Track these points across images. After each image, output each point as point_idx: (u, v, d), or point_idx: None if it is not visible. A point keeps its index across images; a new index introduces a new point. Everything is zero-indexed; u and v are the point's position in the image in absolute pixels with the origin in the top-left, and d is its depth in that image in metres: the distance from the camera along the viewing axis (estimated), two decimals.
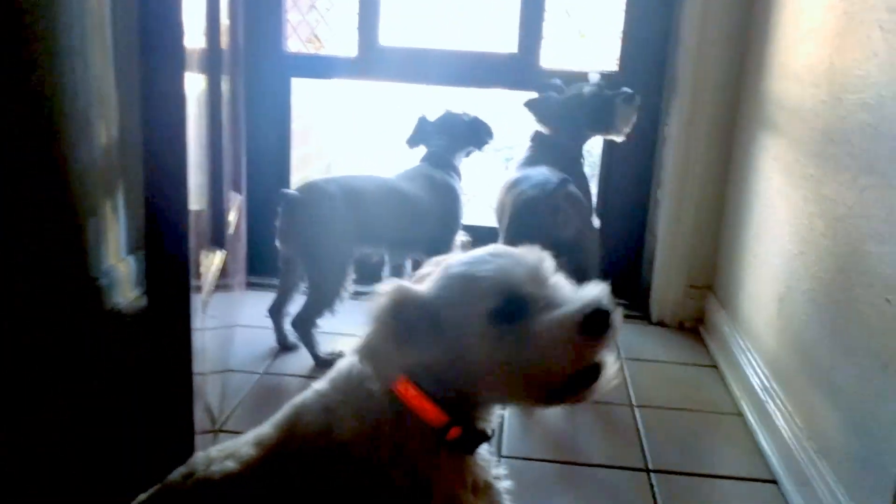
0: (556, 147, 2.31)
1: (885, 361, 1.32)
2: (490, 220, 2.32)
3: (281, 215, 2.14)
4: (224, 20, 1.98)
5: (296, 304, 2.23)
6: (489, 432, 1.07)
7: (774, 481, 1.72)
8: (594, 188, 2.50)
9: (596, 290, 0.96)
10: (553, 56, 2.71)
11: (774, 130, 2.02)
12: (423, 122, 2.44)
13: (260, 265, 2.67)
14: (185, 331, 1.36)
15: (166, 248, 1.32)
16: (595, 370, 0.96)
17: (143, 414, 1.41)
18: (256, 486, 1.01)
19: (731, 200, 2.39)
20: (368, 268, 2.42)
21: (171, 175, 1.30)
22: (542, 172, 2.18)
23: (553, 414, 1.96)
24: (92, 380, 2.01)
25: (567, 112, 2.31)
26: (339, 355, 2.07)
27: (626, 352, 2.37)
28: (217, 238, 1.90)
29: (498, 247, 1.03)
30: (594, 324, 0.92)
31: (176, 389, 1.38)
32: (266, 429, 1.07)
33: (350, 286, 2.18)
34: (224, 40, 1.99)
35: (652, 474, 1.73)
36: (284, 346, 2.27)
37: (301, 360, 2.20)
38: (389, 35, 2.66)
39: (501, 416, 1.55)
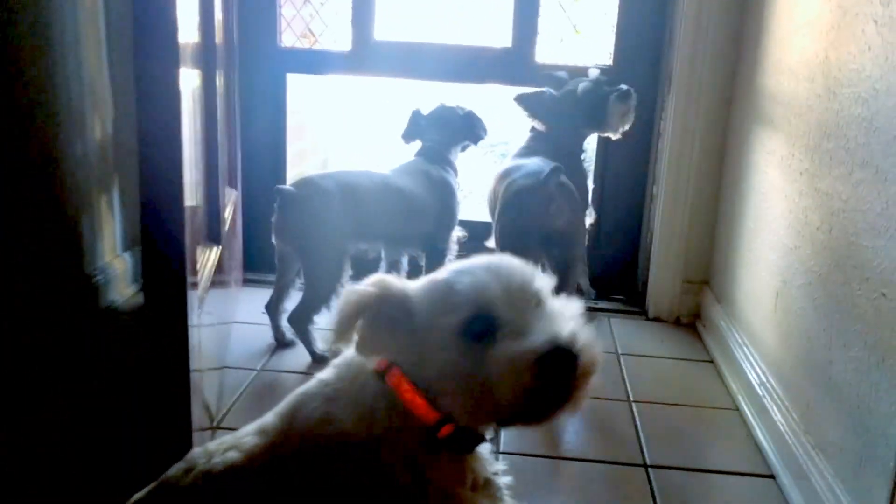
0: (553, 140, 2.31)
1: (881, 355, 1.32)
2: (486, 215, 2.32)
3: (277, 211, 2.14)
4: (218, 15, 1.97)
5: (292, 301, 2.22)
6: (485, 434, 1.07)
7: (772, 476, 1.72)
8: (589, 184, 2.50)
9: (566, 330, 0.92)
10: (548, 51, 2.71)
11: (769, 125, 2.02)
12: (416, 115, 2.43)
13: (256, 261, 2.67)
14: (182, 327, 1.35)
15: (162, 245, 1.32)
16: (554, 401, 0.92)
17: (140, 411, 1.40)
18: (260, 477, 1.01)
19: (726, 195, 2.39)
20: (365, 264, 2.42)
21: (167, 171, 1.30)
22: (535, 162, 2.18)
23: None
24: (88, 378, 2.01)
25: (561, 108, 2.31)
26: (336, 351, 2.07)
27: (622, 347, 2.38)
28: (213, 234, 1.89)
29: (493, 260, 1.00)
30: (552, 363, 0.89)
31: (173, 386, 1.38)
32: (270, 417, 1.08)
33: (346, 282, 2.18)
34: (218, 35, 1.98)
35: (649, 470, 1.73)
36: (281, 343, 2.26)
37: (298, 357, 2.19)
38: (384, 30, 2.65)
39: None
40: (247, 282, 2.65)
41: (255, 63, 2.65)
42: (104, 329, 2.30)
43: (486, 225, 2.27)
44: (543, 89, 2.34)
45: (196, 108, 1.62)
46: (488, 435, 1.07)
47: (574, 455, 1.77)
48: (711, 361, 2.30)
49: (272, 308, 2.26)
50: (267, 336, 2.28)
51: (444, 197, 2.34)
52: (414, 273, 2.47)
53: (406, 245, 2.38)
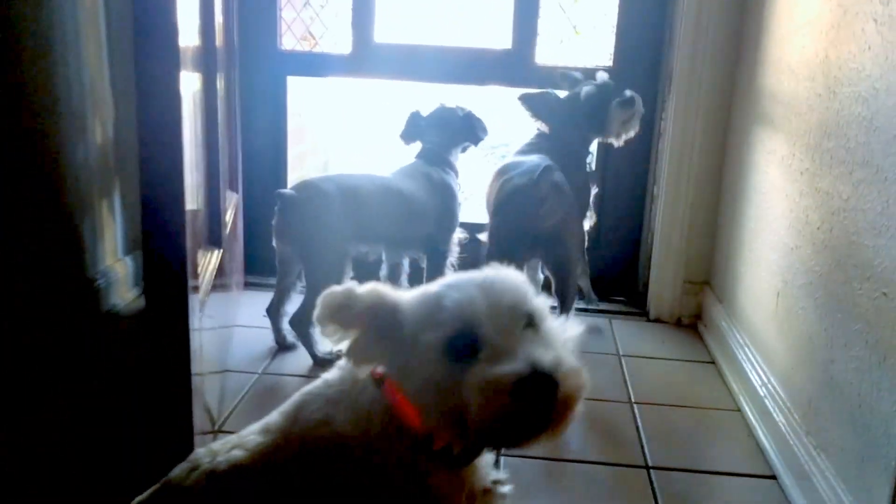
0: (557, 141, 2.31)
1: (882, 354, 1.32)
2: (487, 217, 2.32)
3: (277, 214, 2.14)
4: (218, 18, 1.97)
5: (294, 304, 2.22)
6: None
7: (774, 477, 1.72)
8: (594, 187, 2.48)
9: (549, 356, 0.89)
10: (548, 52, 2.71)
11: (770, 124, 2.02)
12: (416, 117, 2.43)
13: (257, 264, 2.67)
14: (183, 331, 1.35)
15: (163, 248, 1.32)
16: (530, 428, 0.89)
17: (141, 415, 1.40)
18: (263, 476, 1.01)
19: (727, 195, 2.39)
20: (366, 266, 2.42)
21: (167, 174, 1.30)
22: (533, 161, 2.18)
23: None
24: (90, 381, 2.01)
25: (564, 111, 2.30)
26: (338, 355, 2.07)
27: (624, 349, 2.37)
28: (214, 237, 1.89)
29: (489, 276, 0.98)
30: (528, 390, 0.86)
31: (174, 390, 1.38)
32: (274, 416, 1.09)
33: (348, 284, 2.17)
34: (219, 38, 1.99)
35: (651, 471, 1.73)
36: (283, 346, 2.26)
37: (299, 360, 2.19)
38: (384, 32, 2.66)
39: None
40: (248, 285, 2.65)
41: (255, 66, 2.65)
42: (105, 332, 2.31)
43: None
44: (547, 90, 2.33)
45: (197, 111, 1.62)
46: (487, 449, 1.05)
47: (575, 457, 1.76)
48: (713, 362, 2.30)
49: (273, 311, 2.26)
50: (268, 339, 2.28)
51: (445, 199, 2.34)
52: (415, 275, 2.47)
53: (407, 247, 2.38)
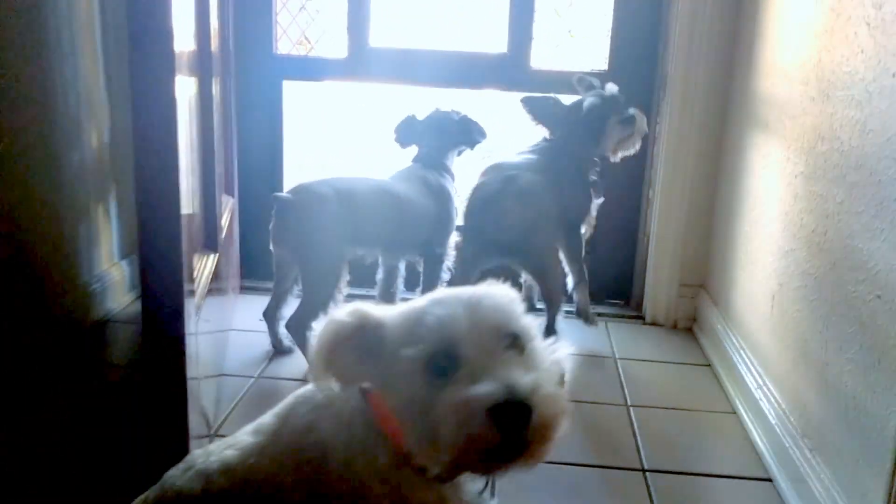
0: (559, 146, 2.30)
1: (877, 357, 1.33)
2: None
3: (274, 218, 2.14)
4: (214, 22, 1.98)
5: (290, 307, 2.22)
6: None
7: (769, 479, 1.72)
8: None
9: (525, 379, 0.85)
10: (543, 56, 2.71)
11: (764, 128, 2.03)
12: (411, 120, 2.43)
13: (253, 268, 2.67)
14: (179, 335, 1.35)
15: (159, 253, 1.32)
16: (501, 454, 0.85)
17: (139, 418, 1.40)
18: (250, 478, 1.02)
19: (722, 198, 2.40)
20: (363, 270, 2.42)
21: (163, 179, 1.30)
22: (514, 165, 2.20)
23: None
24: (88, 384, 2.01)
25: (565, 119, 2.28)
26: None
27: (620, 352, 2.38)
28: (210, 242, 1.89)
29: (476, 293, 0.95)
30: (501, 414, 0.82)
31: (171, 394, 1.38)
32: (267, 417, 1.09)
33: (344, 288, 2.18)
34: (214, 43, 1.99)
35: (647, 474, 1.73)
36: (279, 350, 2.26)
37: (296, 364, 2.19)
38: (379, 36, 2.66)
39: None
40: (244, 289, 2.65)
41: (251, 70, 2.65)
42: (102, 337, 2.30)
43: None
44: (551, 95, 2.31)
45: (192, 116, 1.62)
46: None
47: (571, 460, 1.76)
48: (709, 365, 2.30)
49: (270, 315, 2.26)
50: (264, 343, 2.28)
51: (442, 202, 2.34)
52: (412, 278, 2.48)
53: (404, 251, 2.38)
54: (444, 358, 0.88)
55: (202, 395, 1.60)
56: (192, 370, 1.41)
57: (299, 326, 2.15)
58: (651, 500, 1.63)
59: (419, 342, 0.89)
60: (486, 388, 0.83)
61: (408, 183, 2.31)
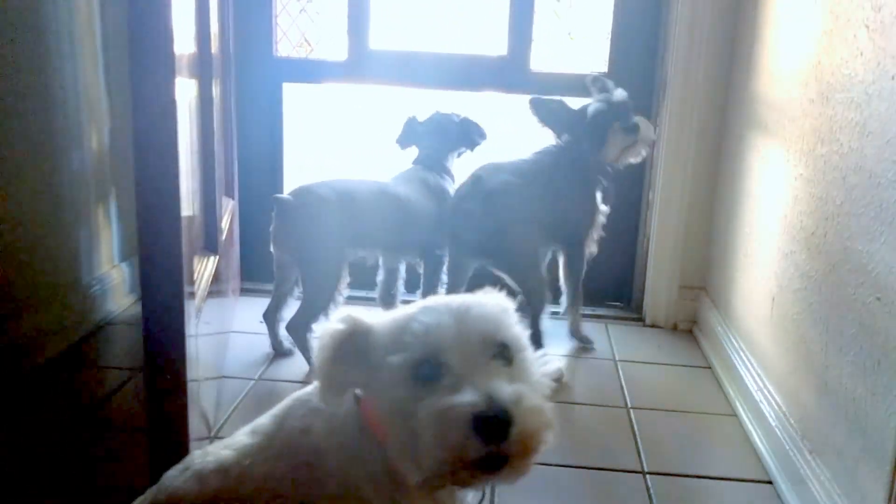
0: (566, 152, 2.28)
1: (877, 359, 1.33)
2: None
3: (275, 220, 2.14)
4: (214, 25, 1.98)
5: (290, 309, 2.22)
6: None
7: (770, 482, 1.72)
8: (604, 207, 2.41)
9: (508, 390, 0.83)
10: (543, 58, 2.72)
11: (764, 130, 2.03)
12: (412, 122, 2.43)
13: (253, 270, 2.67)
14: (179, 337, 1.35)
15: (159, 255, 1.32)
16: (490, 462, 0.84)
17: (139, 420, 1.40)
18: (244, 479, 1.02)
19: (722, 201, 2.40)
20: (363, 272, 2.42)
21: (163, 181, 1.30)
22: (498, 166, 2.21)
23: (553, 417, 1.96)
24: (87, 385, 2.01)
25: (570, 124, 2.26)
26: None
27: (620, 354, 2.38)
28: (210, 244, 1.89)
29: (466, 301, 0.94)
30: (480, 423, 0.81)
31: (171, 396, 1.38)
32: (264, 419, 1.09)
33: (345, 290, 2.18)
34: (214, 45, 1.99)
35: (648, 476, 1.73)
36: (279, 352, 2.26)
37: (296, 366, 2.19)
38: (380, 38, 2.66)
39: None
40: (244, 291, 2.65)
41: (251, 72, 2.65)
42: (102, 338, 2.30)
43: None
44: (559, 99, 2.28)
45: (192, 118, 1.63)
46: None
47: (571, 462, 1.76)
48: (709, 367, 2.30)
49: (270, 316, 2.26)
50: (264, 345, 2.28)
51: (442, 204, 2.34)
52: (412, 280, 2.48)
53: (404, 252, 2.38)
54: (429, 366, 0.87)
55: (202, 396, 1.60)
56: (192, 372, 1.41)
57: (299, 328, 2.15)
58: (651, 503, 1.63)
59: (405, 349, 0.89)
60: (466, 398, 0.82)
61: (408, 184, 2.31)
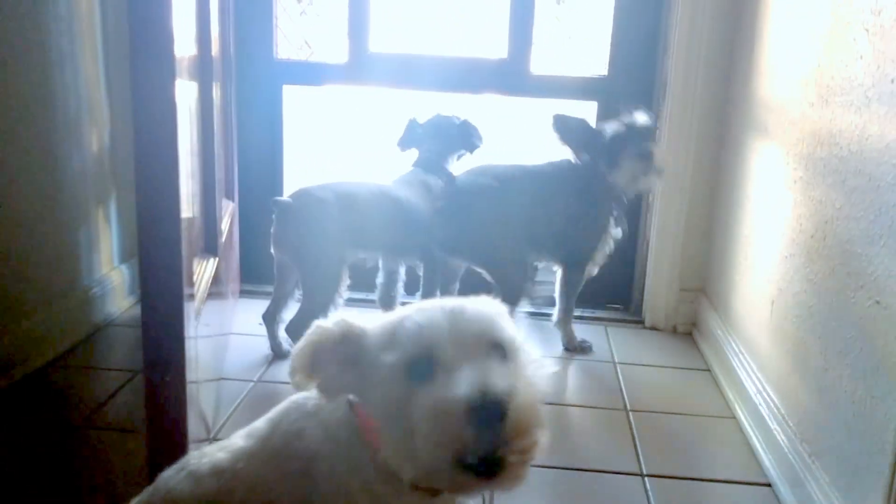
0: (581, 170, 2.26)
1: (876, 362, 1.33)
2: None
3: (275, 222, 2.15)
4: (214, 27, 1.98)
5: (290, 311, 2.22)
6: None
7: (769, 484, 1.72)
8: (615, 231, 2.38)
9: (502, 382, 0.83)
10: (543, 61, 2.72)
11: (763, 133, 2.03)
12: (413, 124, 2.44)
13: (253, 272, 2.67)
14: (179, 339, 1.35)
15: (159, 256, 1.32)
16: (492, 464, 0.83)
17: (138, 422, 1.40)
18: (238, 481, 1.02)
19: (721, 204, 2.40)
20: (363, 274, 2.42)
21: (163, 183, 1.30)
22: (485, 169, 2.22)
23: (546, 419, 1.96)
24: (86, 389, 2.01)
25: (589, 143, 2.23)
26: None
27: (619, 356, 2.38)
28: (210, 246, 1.89)
29: (460, 302, 0.94)
30: (476, 416, 0.80)
31: (170, 398, 1.38)
32: (260, 422, 1.09)
33: (345, 292, 2.18)
34: (215, 48, 1.99)
35: (646, 479, 1.73)
36: (279, 354, 2.26)
37: None
38: (380, 41, 2.67)
39: None
40: (244, 293, 2.65)
41: (251, 75, 2.66)
42: (101, 340, 2.30)
43: None
44: (581, 117, 2.25)
45: (193, 121, 1.63)
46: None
47: (571, 465, 1.76)
48: (708, 370, 2.30)
49: (270, 318, 2.26)
50: (264, 347, 2.28)
51: None
52: (412, 282, 2.48)
53: (404, 254, 2.38)
54: (423, 363, 0.87)
55: (201, 398, 1.60)
56: (191, 374, 1.41)
57: (299, 330, 2.13)
58: None
59: (396, 348, 0.89)
60: (460, 390, 0.82)
61: (408, 187, 2.32)
